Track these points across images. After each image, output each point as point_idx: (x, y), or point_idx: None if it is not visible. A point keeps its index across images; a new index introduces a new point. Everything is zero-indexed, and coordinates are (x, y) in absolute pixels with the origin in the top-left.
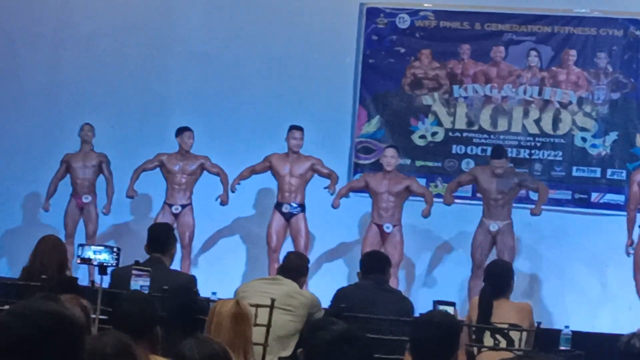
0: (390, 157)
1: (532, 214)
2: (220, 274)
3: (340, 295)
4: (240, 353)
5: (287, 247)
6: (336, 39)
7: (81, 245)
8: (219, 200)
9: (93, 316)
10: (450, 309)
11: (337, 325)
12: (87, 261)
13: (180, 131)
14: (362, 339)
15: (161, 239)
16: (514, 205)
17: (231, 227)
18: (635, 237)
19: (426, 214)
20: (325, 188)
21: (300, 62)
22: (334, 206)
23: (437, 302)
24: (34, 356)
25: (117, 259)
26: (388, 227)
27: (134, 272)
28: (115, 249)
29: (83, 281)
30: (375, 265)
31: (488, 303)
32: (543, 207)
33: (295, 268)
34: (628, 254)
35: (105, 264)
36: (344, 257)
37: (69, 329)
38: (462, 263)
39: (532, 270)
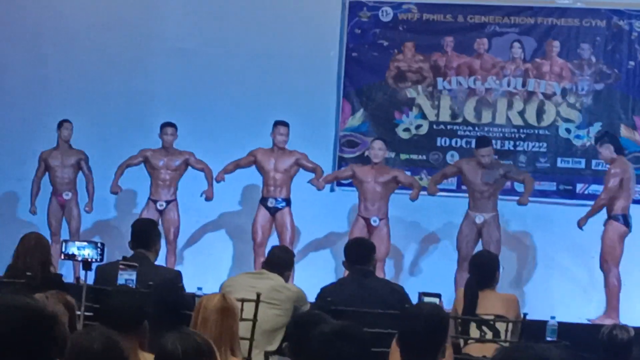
0: (378, 149)
1: (520, 203)
2: (206, 270)
3: (326, 292)
4: (226, 348)
5: (273, 241)
6: (319, 33)
7: (65, 241)
8: (204, 195)
9: (78, 313)
10: (435, 301)
11: (331, 320)
12: (71, 257)
13: (162, 127)
14: (358, 333)
15: (145, 235)
16: (500, 197)
17: (216, 222)
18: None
19: (414, 197)
20: (308, 182)
21: (284, 56)
22: (319, 187)
23: (422, 294)
24: (6, 351)
25: (102, 255)
26: (375, 221)
27: (120, 266)
28: (99, 245)
29: (68, 278)
30: (360, 253)
31: (474, 294)
32: (529, 198)
33: (281, 262)
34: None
35: (89, 260)
36: (331, 251)
37: (39, 321)
38: (449, 255)
39: (519, 261)
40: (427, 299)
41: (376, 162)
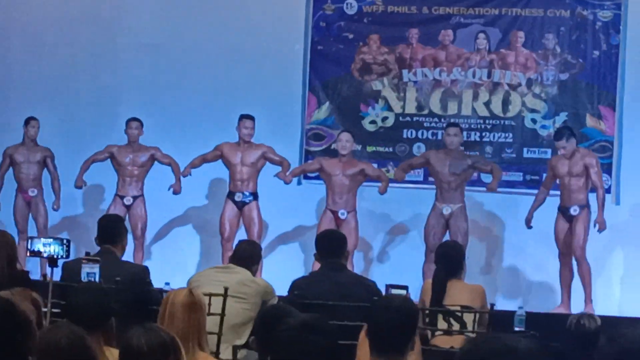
0: (346, 142)
1: (489, 189)
2: (174, 264)
3: (296, 286)
4: (194, 342)
5: (241, 235)
6: (284, 26)
7: (30, 238)
8: (171, 190)
9: (44, 309)
10: (403, 293)
11: (298, 314)
12: (37, 254)
13: (127, 122)
14: (325, 326)
15: (111, 230)
16: (467, 188)
17: (184, 217)
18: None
19: (383, 191)
20: (275, 175)
21: (249, 50)
22: (286, 181)
23: (389, 286)
24: None
25: (68, 251)
26: (343, 214)
27: (83, 260)
28: (65, 241)
29: (35, 275)
30: (331, 246)
31: (442, 285)
32: (497, 185)
33: (248, 256)
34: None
35: (55, 256)
36: (299, 244)
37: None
38: (416, 246)
39: (487, 251)
40: (394, 291)
41: (344, 155)
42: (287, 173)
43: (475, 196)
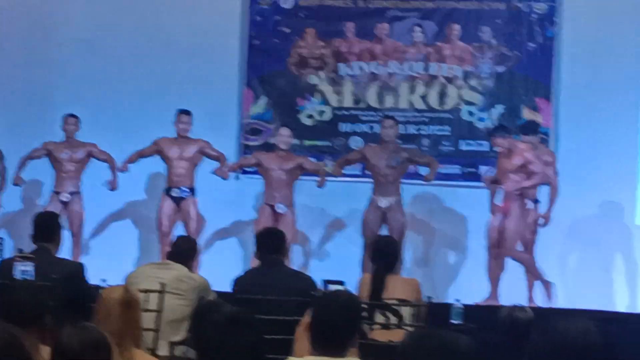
0: (287, 137)
1: (426, 179)
2: (112, 260)
3: (238, 283)
4: (130, 340)
5: (179, 231)
6: (220, 20)
7: None
8: (108, 185)
9: None
10: (340, 288)
11: (226, 308)
12: None
13: (64, 118)
14: (251, 320)
15: (46, 228)
16: (404, 181)
17: (122, 212)
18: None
19: (321, 184)
20: (213, 172)
21: (185, 45)
22: (223, 177)
23: (327, 282)
24: None
25: (1, 249)
26: (280, 208)
27: (16, 259)
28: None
29: None
30: (271, 243)
31: (381, 279)
32: (434, 182)
33: (184, 252)
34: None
35: None
36: (237, 239)
37: None
38: (354, 240)
39: (424, 244)
40: (331, 287)
41: (283, 150)
42: (224, 169)
43: (413, 189)
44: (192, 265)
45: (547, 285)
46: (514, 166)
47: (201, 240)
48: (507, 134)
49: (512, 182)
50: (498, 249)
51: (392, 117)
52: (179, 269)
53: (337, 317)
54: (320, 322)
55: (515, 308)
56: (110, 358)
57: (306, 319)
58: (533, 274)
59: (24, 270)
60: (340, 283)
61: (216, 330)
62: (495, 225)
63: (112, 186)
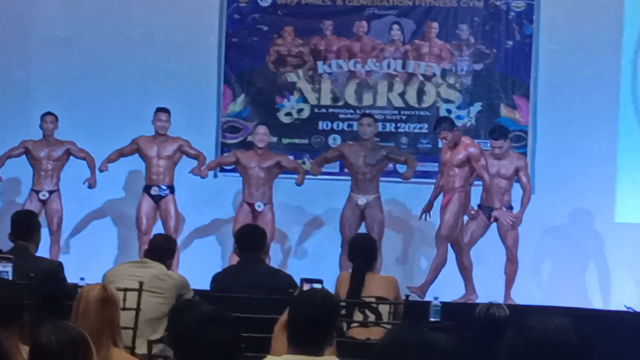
0: (263, 134)
1: (403, 177)
2: (91, 259)
3: (216, 280)
4: (108, 338)
5: (158, 229)
6: (198, 18)
7: None
8: (87, 183)
9: None
10: (318, 287)
11: (203, 306)
12: None
13: (42, 116)
14: (228, 319)
15: (24, 226)
16: (382, 179)
17: (101, 211)
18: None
19: (300, 182)
20: (190, 172)
21: (163, 43)
22: (202, 176)
23: (304, 280)
24: None
25: None
26: (259, 206)
27: None
28: None
29: None
30: (250, 240)
31: (361, 277)
32: (412, 180)
33: (162, 250)
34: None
35: None
36: (216, 238)
37: None
38: (332, 238)
39: (403, 242)
40: (309, 285)
41: (261, 147)
42: (203, 167)
43: (391, 187)
44: (171, 264)
45: (469, 286)
46: (458, 161)
47: (179, 239)
48: (452, 126)
49: (451, 176)
50: (460, 246)
51: (370, 115)
52: (157, 267)
53: (314, 315)
54: (298, 320)
55: (492, 305)
56: (89, 357)
57: (283, 317)
58: (512, 280)
59: (2, 271)
60: (319, 282)
61: (193, 328)
62: (480, 229)
63: (91, 184)
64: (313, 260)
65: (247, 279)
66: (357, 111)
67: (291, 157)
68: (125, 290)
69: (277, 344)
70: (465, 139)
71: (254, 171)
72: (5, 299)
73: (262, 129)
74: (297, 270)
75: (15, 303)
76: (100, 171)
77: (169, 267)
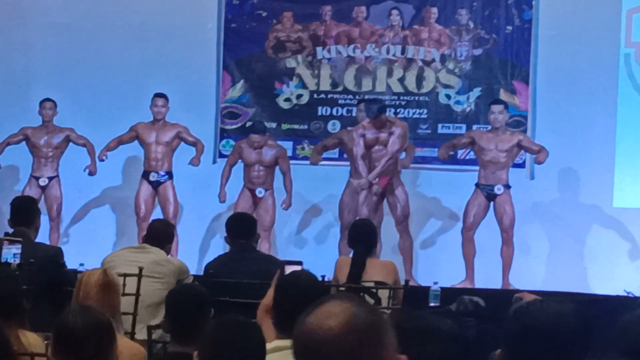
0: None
1: (402, 166)
2: (90, 245)
3: (209, 268)
4: None
5: (157, 215)
6: (197, 4)
7: None
8: (87, 170)
9: None
10: (297, 268)
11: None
12: None
13: (41, 102)
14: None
15: (24, 212)
16: None
17: (100, 197)
18: None
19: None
20: (189, 163)
21: (162, 29)
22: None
23: (284, 262)
24: None
25: None
26: (260, 192)
27: (5, 242)
28: None
29: None
30: (241, 228)
31: (362, 263)
32: (411, 165)
33: (161, 235)
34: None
35: None
36: (216, 223)
37: None
38: (332, 224)
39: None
40: (288, 267)
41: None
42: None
43: None
44: (169, 249)
45: (409, 273)
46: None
47: (178, 224)
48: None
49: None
50: (469, 231)
51: (365, 100)
52: (156, 253)
53: (299, 298)
54: (283, 305)
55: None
56: (112, 342)
57: (265, 300)
58: (510, 263)
59: (15, 253)
60: (299, 263)
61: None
62: (481, 208)
63: (92, 171)
64: (313, 245)
65: (240, 265)
66: (357, 97)
67: (290, 143)
68: (125, 275)
69: (263, 328)
70: (509, 129)
71: (254, 165)
72: (3, 290)
73: (255, 137)
74: (297, 256)
75: (14, 294)
76: (100, 160)
77: (167, 252)
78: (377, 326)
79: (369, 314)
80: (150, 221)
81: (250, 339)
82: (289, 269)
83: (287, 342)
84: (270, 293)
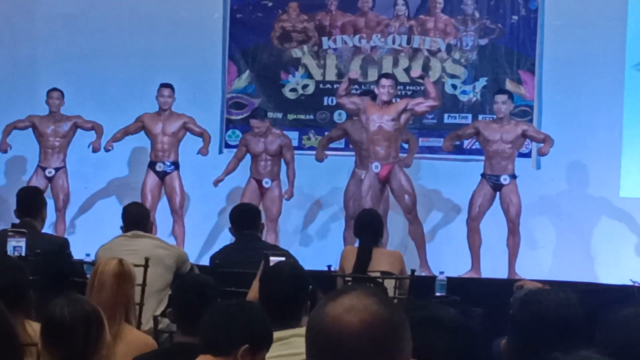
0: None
1: (404, 165)
2: (96, 236)
3: (215, 258)
4: (121, 313)
5: (163, 205)
6: None
7: None
8: (91, 147)
9: None
10: (282, 259)
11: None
12: None
13: (48, 92)
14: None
15: (30, 203)
16: None
17: (106, 188)
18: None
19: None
20: (198, 153)
21: (168, 19)
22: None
23: (269, 254)
24: None
25: None
26: (267, 182)
27: (9, 233)
28: None
29: None
30: (245, 219)
31: (369, 252)
32: (416, 155)
33: (140, 217)
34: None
35: None
36: (223, 214)
37: None
38: (337, 215)
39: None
40: (273, 259)
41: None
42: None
43: None
44: (152, 229)
45: (423, 260)
46: None
47: (185, 215)
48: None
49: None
50: (475, 221)
51: (370, 92)
52: (150, 237)
53: (284, 289)
54: (269, 297)
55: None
56: (101, 332)
57: (251, 294)
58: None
59: (17, 246)
60: (283, 255)
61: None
62: (487, 198)
63: (95, 147)
64: (319, 235)
65: (245, 255)
66: (362, 87)
67: (296, 133)
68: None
69: None
70: (514, 119)
71: (261, 155)
72: (10, 282)
73: (255, 122)
74: (303, 246)
75: (21, 284)
76: (106, 150)
77: (152, 233)
78: (397, 329)
79: (392, 315)
80: (156, 212)
81: (248, 318)
82: (273, 261)
83: (277, 334)
84: (255, 285)
